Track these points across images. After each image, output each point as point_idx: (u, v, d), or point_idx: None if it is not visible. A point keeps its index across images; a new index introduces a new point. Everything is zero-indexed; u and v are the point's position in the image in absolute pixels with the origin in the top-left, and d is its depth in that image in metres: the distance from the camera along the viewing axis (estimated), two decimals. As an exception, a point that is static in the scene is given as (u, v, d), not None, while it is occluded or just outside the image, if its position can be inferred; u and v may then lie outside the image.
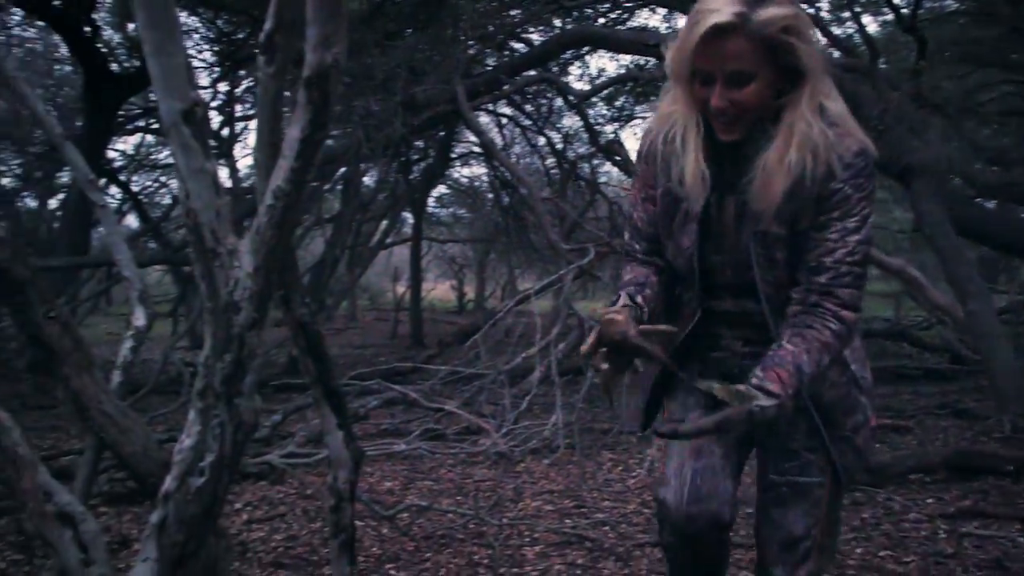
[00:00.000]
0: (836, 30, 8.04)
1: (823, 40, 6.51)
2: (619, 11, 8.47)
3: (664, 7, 8.13)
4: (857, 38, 7.62)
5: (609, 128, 10.49)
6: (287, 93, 1.74)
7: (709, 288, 1.67)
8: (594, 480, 4.28)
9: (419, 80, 6.96)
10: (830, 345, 1.51)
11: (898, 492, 3.78)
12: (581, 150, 10.57)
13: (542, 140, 10.72)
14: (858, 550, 3.11)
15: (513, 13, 7.83)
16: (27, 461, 1.77)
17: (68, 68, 10.33)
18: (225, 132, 10.14)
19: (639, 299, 1.63)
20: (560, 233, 7.07)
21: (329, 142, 7.25)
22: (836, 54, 6.47)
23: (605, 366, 1.51)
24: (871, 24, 9.33)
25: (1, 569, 3.10)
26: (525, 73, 7.95)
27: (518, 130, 11.39)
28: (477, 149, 11.54)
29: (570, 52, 8.70)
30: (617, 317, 1.50)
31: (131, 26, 7.65)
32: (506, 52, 8.62)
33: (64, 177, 10.39)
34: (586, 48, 8.72)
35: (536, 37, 8.66)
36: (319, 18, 1.38)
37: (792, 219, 1.53)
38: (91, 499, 3.07)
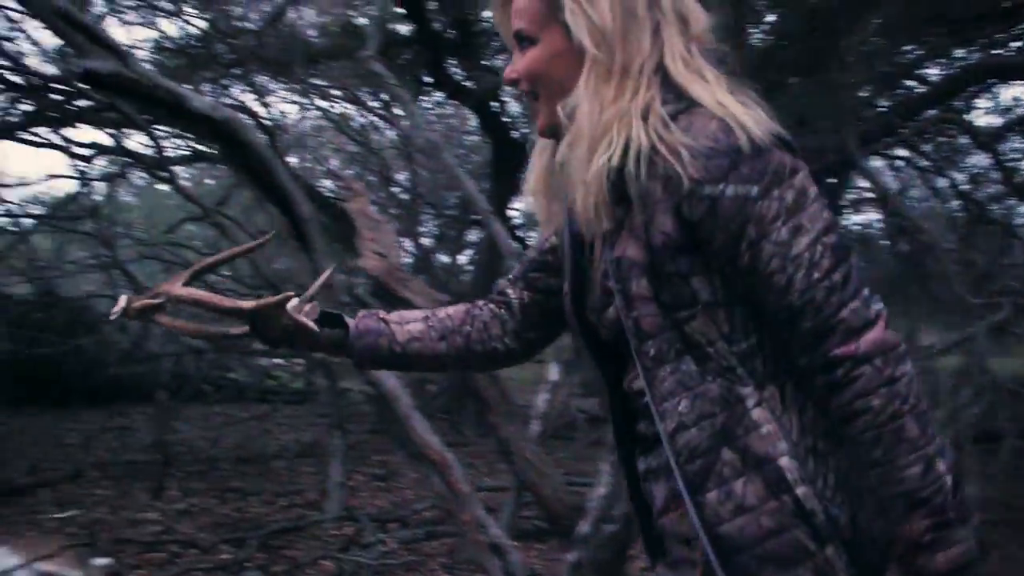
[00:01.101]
0: None
1: None
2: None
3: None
4: None
5: (1025, 165, 9.40)
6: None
7: (614, 355, 1.17)
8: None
9: (807, 129, 6.81)
10: (897, 412, 0.98)
11: None
12: (990, 190, 9.58)
13: (943, 181, 9.87)
14: None
15: (906, 49, 7.34)
16: (468, 497, 2.04)
17: (475, 137, 11.62)
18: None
19: (390, 314, 1.32)
20: (968, 284, 6.46)
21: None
22: None
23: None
24: None
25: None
26: (925, 113, 7.42)
27: (914, 172, 10.60)
28: (867, 194, 10.92)
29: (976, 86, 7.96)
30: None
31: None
32: (899, 91, 8.12)
33: (471, 235, 11.66)
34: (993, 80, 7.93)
35: (934, 72, 8.05)
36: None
37: (646, 233, 1.05)
38: (505, 533, 3.39)
